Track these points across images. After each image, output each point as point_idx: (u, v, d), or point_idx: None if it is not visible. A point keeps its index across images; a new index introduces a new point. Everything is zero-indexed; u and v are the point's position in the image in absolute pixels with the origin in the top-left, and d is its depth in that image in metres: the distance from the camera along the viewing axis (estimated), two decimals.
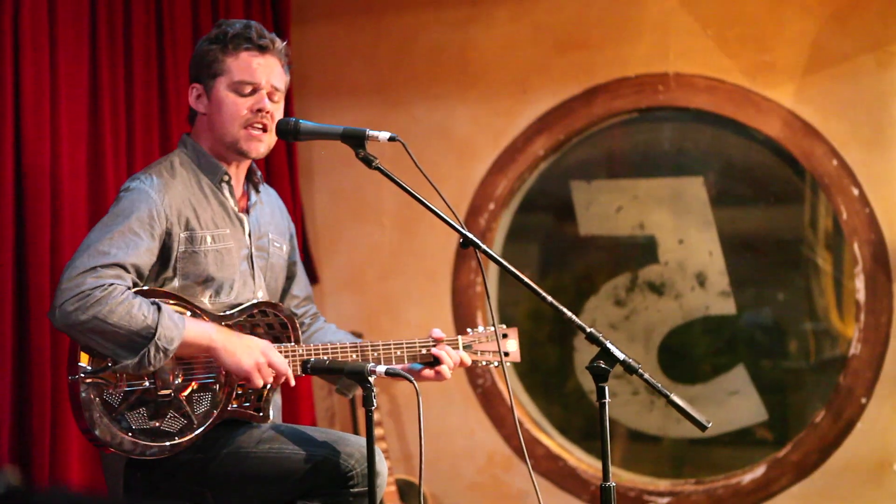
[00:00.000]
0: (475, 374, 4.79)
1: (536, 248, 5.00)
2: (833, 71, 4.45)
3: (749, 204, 4.77)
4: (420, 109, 4.83)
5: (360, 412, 4.54)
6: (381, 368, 2.84)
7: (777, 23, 4.51)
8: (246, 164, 3.14)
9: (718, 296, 4.71)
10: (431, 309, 4.82)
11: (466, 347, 3.21)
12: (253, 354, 2.89)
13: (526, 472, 2.99)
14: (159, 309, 2.80)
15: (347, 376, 2.89)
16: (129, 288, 2.81)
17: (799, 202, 4.67)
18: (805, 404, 4.68)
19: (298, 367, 2.97)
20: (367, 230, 4.90)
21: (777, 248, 4.74)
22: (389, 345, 3.09)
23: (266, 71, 3.04)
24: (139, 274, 2.88)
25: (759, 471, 4.55)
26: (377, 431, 4.22)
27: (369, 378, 2.81)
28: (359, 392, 2.94)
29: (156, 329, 2.77)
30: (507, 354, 3.24)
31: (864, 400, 4.43)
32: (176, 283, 2.96)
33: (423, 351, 3.13)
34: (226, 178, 3.08)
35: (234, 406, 2.96)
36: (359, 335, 4.16)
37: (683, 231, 4.74)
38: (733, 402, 4.70)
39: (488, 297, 3.05)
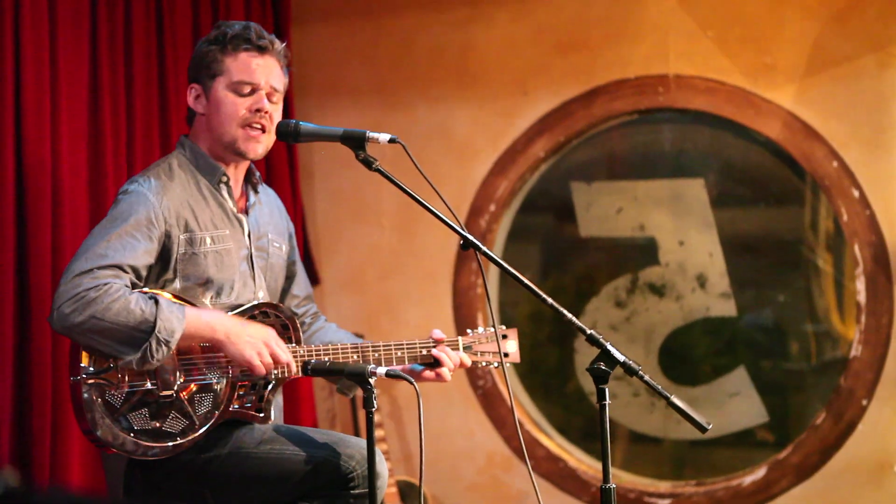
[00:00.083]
0: (476, 376, 4.79)
1: (537, 249, 5.00)
2: (833, 72, 4.45)
3: (749, 205, 4.77)
4: (420, 110, 4.83)
5: (361, 413, 4.54)
6: (382, 370, 2.84)
7: (777, 24, 4.50)
8: (245, 165, 3.14)
9: (719, 297, 4.71)
10: (432, 310, 4.82)
11: (466, 348, 3.21)
12: (256, 345, 2.89)
13: (526, 473, 2.99)
14: (157, 302, 2.80)
15: (348, 378, 2.89)
16: (126, 286, 2.81)
17: (799, 204, 4.67)
18: (806, 406, 4.68)
19: (299, 369, 2.97)
20: (367, 231, 4.90)
21: (777, 250, 4.74)
22: (390, 345, 3.09)
23: (265, 71, 3.04)
24: (137, 275, 2.88)
25: (759, 472, 4.55)
26: (378, 433, 4.22)
27: (370, 380, 2.81)
28: (359, 393, 2.94)
29: (155, 322, 2.77)
30: (506, 355, 3.24)
31: (864, 402, 4.43)
32: (177, 284, 2.96)
33: (424, 352, 3.13)
34: (224, 178, 3.08)
35: (236, 406, 2.96)
36: (360, 336, 4.16)
37: (684, 232, 4.74)
38: (734, 404, 4.70)
39: (488, 299, 3.06)
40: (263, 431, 2.98)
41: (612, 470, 2.68)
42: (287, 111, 3.22)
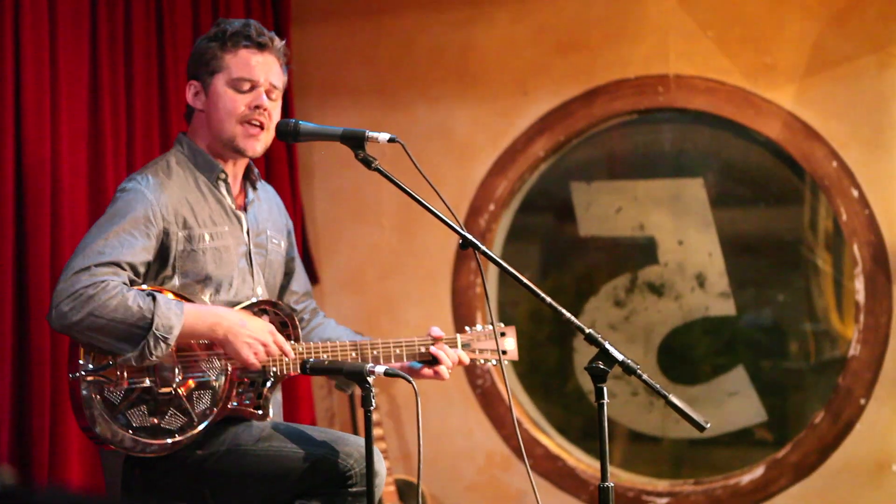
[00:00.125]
0: (474, 375, 4.80)
1: (536, 248, 5.00)
2: (833, 72, 4.45)
3: (749, 205, 4.77)
4: (420, 110, 4.83)
5: (360, 412, 4.54)
6: (380, 369, 2.84)
7: (777, 24, 4.51)
8: (244, 163, 3.14)
9: (718, 297, 4.71)
10: (431, 309, 4.83)
11: (465, 346, 3.21)
12: (254, 345, 2.90)
13: (525, 472, 2.99)
14: (155, 299, 2.81)
15: (346, 376, 2.89)
16: (124, 283, 2.82)
17: (799, 203, 4.67)
18: (804, 405, 4.68)
19: (298, 367, 2.98)
20: (367, 231, 4.91)
21: (777, 250, 4.75)
22: (388, 343, 3.10)
23: (264, 68, 3.05)
24: (135, 272, 2.88)
25: (758, 471, 4.55)
26: (376, 431, 4.23)
27: (368, 378, 2.82)
28: (358, 391, 2.95)
29: (152, 318, 2.78)
30: (505, 352, 3.25)
31: (863, 401, 4.43)
32: (176, 281, 2.96)
33: (422, 349, 3.14)
34: (223, 175, 3.08)
35: (235, 404, 2.96)
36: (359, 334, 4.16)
37: (683, 232, 4.74)
38: (733, 403, 4.70)
39: (487, 298, 3.05)
40: (262, 429, 2.98)
41: (610, 469, 2.69)
42: (287, 111, 3.22)
